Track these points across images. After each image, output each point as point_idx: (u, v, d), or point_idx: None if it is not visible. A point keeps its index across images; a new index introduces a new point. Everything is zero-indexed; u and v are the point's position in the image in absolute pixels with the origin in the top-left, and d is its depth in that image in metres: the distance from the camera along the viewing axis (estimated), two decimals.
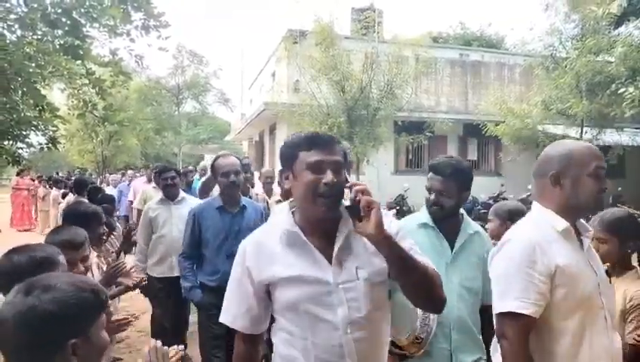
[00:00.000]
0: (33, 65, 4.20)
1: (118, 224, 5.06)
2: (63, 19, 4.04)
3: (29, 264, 1.72)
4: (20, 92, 4.49)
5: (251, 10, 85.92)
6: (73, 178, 13.66)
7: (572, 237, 1.65)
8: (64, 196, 9.00)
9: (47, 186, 14.00)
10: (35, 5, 3.95)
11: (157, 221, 4.10)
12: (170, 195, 4.23)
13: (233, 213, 3.26)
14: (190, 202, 4.14)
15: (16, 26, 4.55)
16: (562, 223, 1.62)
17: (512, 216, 2.65)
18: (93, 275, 2.75)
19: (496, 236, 2.64)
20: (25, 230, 13.20)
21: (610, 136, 11.87)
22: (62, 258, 1.85)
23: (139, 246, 4.22)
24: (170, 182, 4.24)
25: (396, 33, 11.97)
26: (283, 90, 13.19)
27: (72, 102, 6.64)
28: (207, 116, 25.68)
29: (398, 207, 13.42)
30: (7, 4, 4.50)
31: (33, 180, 15.14)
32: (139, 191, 6.80)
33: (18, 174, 14.06)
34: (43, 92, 5.08)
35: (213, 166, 3.36)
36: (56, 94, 10.14)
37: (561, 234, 1.61)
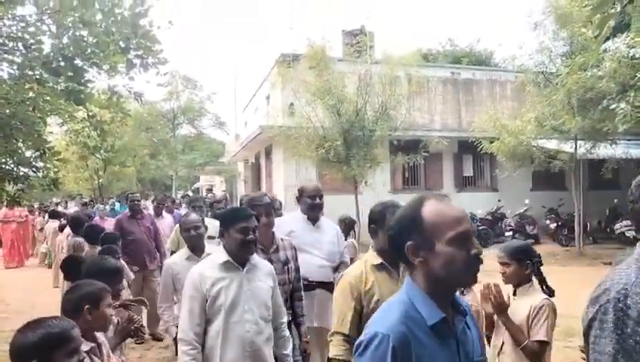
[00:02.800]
0: (37, 113, 4.22)
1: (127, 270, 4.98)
2: (65, 65, 4.07)
3: (43, 342, 1.72)
4: (21, 136, 4.50)
5: (244, 32, 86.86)
6: (69, 209, 13.51)
7: None
8: (61, 228, 8.87)
9: (44, 217, 13.71)
10: (37, 54, 3.99)
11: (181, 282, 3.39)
12: (195, 248, 3.63)
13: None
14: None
15: (15, 67, 4.58)
16: None
17: (530, 256, 2.69)
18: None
19: (516, 282, 2.69)
20: (15, 267, 12.42)
21: (605, 150, 11.99)
22: (76, 332, 1.85)
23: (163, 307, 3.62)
24: (193, 233, 3.65)
25: (387, 52, 12.11)
26: (278, 114, 13.27)
27: (71, 137, 6.70)
28: (202, 140, 25.71)
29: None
30: (6, 47, 4.54)
31: (32, 211, 14.38)
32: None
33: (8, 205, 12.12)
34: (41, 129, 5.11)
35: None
36: (54, 128, 10.14)
37: None
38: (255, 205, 2.99)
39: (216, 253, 2.68)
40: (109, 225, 8.33)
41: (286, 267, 3.07)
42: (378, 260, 2.36)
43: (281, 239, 3.17)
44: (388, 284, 2.28)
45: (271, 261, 2.93)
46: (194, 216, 3.89)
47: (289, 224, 3.56)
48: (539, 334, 2.49)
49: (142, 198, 6.74)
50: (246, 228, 2.47)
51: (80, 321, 2.09)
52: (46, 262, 12.07)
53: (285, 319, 2.78)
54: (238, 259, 2.50)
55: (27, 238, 13.60)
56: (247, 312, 2.47)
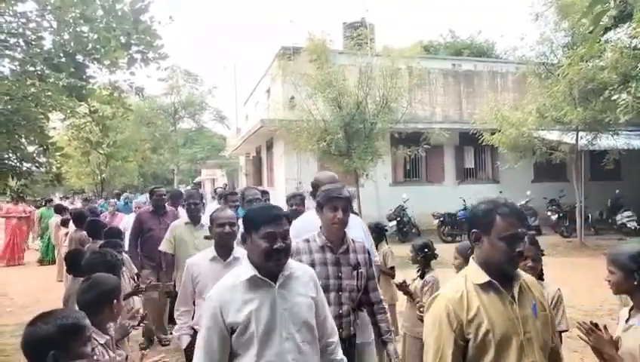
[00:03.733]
0: (39, 109, 4.25)
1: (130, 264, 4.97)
2: (66, 61, 4.08)
3: (59, 332, 1.75)
4: (23, 132, 4.53)
5: (244, 26, 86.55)
6: (74, 204, 13.41)
7: None
8: (63, 223, 8.92)
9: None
10: (38, 50, 4.00)
11: (201, 286, 3.08)
12: (223, 248, 3.16)
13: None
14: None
15: (16, 63, 4.60)
16: None
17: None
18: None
19: (624, 291, 2.22)
20: (13, 265, 11.86)
21: (606, 141, 11.98)
22: (87, 321, 1.89)
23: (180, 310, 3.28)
24: (228, 229, 3.12)
25: (388, 45, 12.07)
26: (279, 107, 13.26)
27: (73, 132, 6.73)
28: (203, 134, 25.75)
29: (398, 218, 13.50)
30: (8, 43, 4.55)
31: (38, 207, 13.82)
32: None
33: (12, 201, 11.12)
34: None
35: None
36: (55, 123, 10.16)
37: None
38: (333, 198, 2.59)
39: (239, 264, 2.16)
40: (118, 221, 8.18)
41: (355, 272, 2.62)
42: (484, 277, 1.80)
43: (353, 241, 2.71)
44: (499, 309, 1.75)
45: (338, 263, 2.61)
46: (229, 211, 3.38)
47: (314, 224, 2.76)
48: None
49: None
50: (273, 234, 1.96)
51: (102, 315, 2.15)
52: (40, 258, 12.05)
53: (336, 338, 2.21)
54: (267, 272, 1.99)
55: (24, 236, 12.90)
56: (287, 340, 1.95)
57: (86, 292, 2.24)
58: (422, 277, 3.69)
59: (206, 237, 4.12)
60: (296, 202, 5.01)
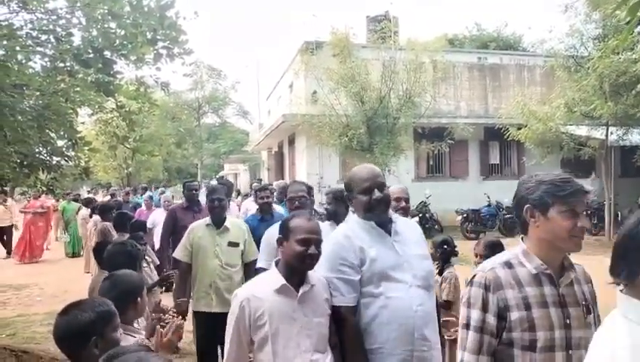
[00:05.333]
0: (68, 104, 4.35)
1: (152, 255, 4.95)
2: (94, 57, 4.17)
3: (99, 319, 1.80)
4: (54, 127, 4.65)
5: (267, 20, 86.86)
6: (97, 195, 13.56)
7: None
8: (91, 215, 9.11)
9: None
10: (68, 46, 4.10)
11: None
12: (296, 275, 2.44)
13: None
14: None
15: (47, 59, 4.72)
16: None
17: None
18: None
19: None
20: (28, 262, 11.36)
21: (638, 137, 11.62)
22: (115, 308, 1.94)
23: None
24: (313, 250, 2.13)
25: (412, 38, 11.94)
26: (301, 102, 13.28)
27: (100, 127, 6.90)
28: (226, 129, 26.03)
29: (420, 214, 13.37)
30: (39, 40, 4.67)
31: (58, 200, 13.21)
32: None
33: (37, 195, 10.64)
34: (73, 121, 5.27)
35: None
36: (83, 118, 10.40)
37: None
38: (574, 193, 1.58)
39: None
40: (158, 215, 7.47)
41: (591, 316, 1.67)
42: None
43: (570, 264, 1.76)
44: None
45: (564, 302, 1.62)
46: (316, 222, 2.87)
47: (358, 237, 2.19)
48: None
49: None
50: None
51: (127, 314, 2.18)
52: (67, 251, 12.29)
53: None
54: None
55: (44, 232, 12.27)
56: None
57: (109, 291, 2.22)
58: (440, 273, 3.63)
59: (230, 244, 3.83)
60: (266, 194, 4.59)
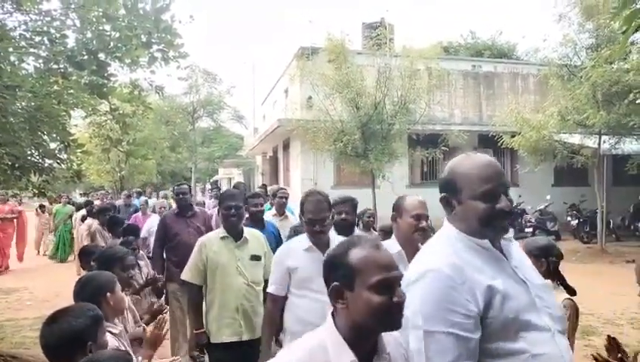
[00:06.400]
0: (61, 106, 4.33)
1: (146, 263, 4.84)
2: (88, 59, 4.15)
3: (93, 323, 1.81)
4: (46, 129, 4.62)
5: (263, 26, 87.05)
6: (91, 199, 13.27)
7: None
8: (84, 219, 9.03)
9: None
10: (62, 48, 4.08)
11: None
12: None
13: None
14: None
15: (40, 61, 4.70)
16: None
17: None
18: (128, 321, 2.81)
19: None
20: None
21: (630, 146, 11.71)
22: (99, 311, 1.93)
23: None
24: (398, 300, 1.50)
25: (407, 45, 11.99)
26: (296, 107, 13.28)
27: (93, 130, 6.86)
28: (221, 134, 26.00)
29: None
30: (33, 42, 4.64)
31: (43, 206, 12.86)
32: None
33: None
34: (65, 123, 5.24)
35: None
36: (77, 120, 10.32)
37: None
38: None
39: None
40: (153, 221, 6.71)
41: None
42: None
43: None
44: None
45: None
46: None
47: (470, 264, 1.46)
48: None
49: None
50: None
51: (103, 308, 2.18)
52: (47, 254, 12.01)
53: None
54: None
55: (9, 239, 11.20)
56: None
57: (79, 292, 2.27)
58: None
59: (253, 258, 3.28)
60: (259, 202, 4.31)
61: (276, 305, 2.75)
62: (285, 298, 2.72)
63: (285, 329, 2.73)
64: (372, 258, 1.30)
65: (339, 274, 1.31)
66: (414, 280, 1.42)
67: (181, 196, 4.94)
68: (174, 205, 5.50)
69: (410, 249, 2.40)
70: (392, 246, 2.49)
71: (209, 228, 4.86)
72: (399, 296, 1.27)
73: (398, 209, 2.69)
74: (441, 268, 1.40)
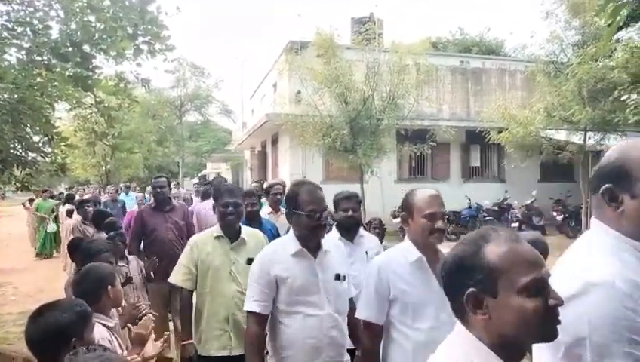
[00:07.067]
0: (45, 99, 4.25)
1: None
2: (73, 51, 4.08)
3: (79, 319, 1.78)
4: (29, 122, 4.54)
5: (252, 19, 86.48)
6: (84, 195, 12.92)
7: None
8: (69, 213, 8.92)
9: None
10: (45, 39, 4.00)
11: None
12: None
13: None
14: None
15: (23, 52, 4.60)
16: None
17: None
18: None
19: None
20: None
21: (614, 142, 11.86)
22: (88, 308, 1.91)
23: None
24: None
25: (396, 40, 12.01)
26: (285, 102, 13.23)
27: (78, 123, 6.76)
28: (209, 128, 25.83)
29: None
30: (15, 32, 4.54)
31: (33, 200, 12.45)
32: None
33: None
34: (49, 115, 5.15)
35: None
36: (61, 113, 10.15)
37: None
38: None
39: None
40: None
41: None
42: None
43: None
44: None
45: None
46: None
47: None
48: None
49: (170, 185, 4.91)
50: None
51: (101, 303, 2.19)
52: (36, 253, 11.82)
53: None
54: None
55: None
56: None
57: (80, 283, 2.26)
58: None
59: (250, 262, 2.58)
60: (253, 201, 4.07)
61: (262, 327, 2.24)
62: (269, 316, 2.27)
63: (271, 356, 2.31)
64: (517, 254, 1.05)
65: (475, 279, 1.05)
66: (573, 295, 1.10)
67: (159, 189, 4.65)
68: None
69: (428, 255, 2.05)
70: (409, 251, 2.07)
71: (189, 224, 4.68)
72: (556, 297, 1.02)
73: (408, 208, 2.13)
74: (615, 282, 1.08)
